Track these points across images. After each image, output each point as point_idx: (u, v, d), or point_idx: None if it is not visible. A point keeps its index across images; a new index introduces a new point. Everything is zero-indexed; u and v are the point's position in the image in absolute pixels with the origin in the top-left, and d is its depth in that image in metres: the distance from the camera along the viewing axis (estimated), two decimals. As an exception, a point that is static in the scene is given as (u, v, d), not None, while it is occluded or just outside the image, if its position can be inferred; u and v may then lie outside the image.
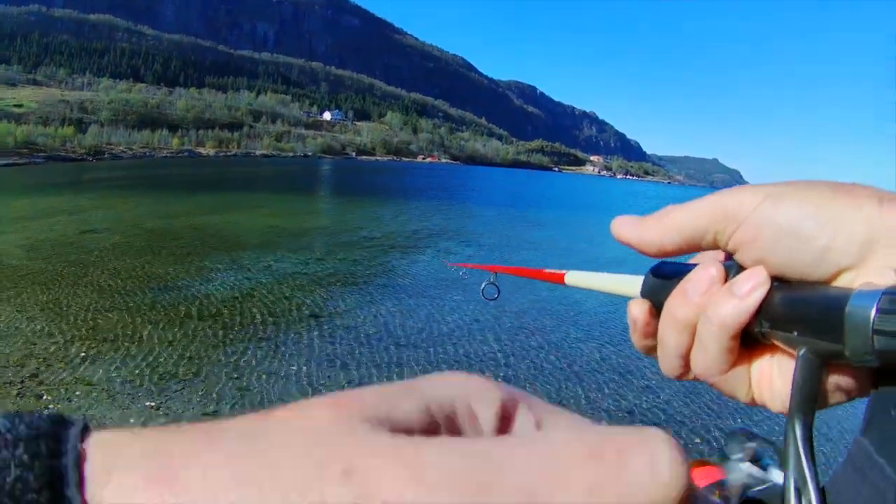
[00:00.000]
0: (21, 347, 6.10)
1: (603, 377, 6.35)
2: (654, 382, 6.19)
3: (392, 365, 6.17)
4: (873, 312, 0.26)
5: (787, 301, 0.31)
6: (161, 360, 5.90)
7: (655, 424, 5.22)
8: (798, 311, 0.31)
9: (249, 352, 6.25)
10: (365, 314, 7.88)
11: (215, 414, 4.80)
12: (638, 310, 0.41)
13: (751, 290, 0.32)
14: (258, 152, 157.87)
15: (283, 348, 6.41)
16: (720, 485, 0.48)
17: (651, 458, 0.18)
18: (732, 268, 0.35)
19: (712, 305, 0.34)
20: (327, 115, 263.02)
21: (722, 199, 0.34)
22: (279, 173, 61.80)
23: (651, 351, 0.41)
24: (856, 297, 0.27)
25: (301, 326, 7.23)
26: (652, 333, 0.40)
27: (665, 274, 0.40)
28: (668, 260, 0.40)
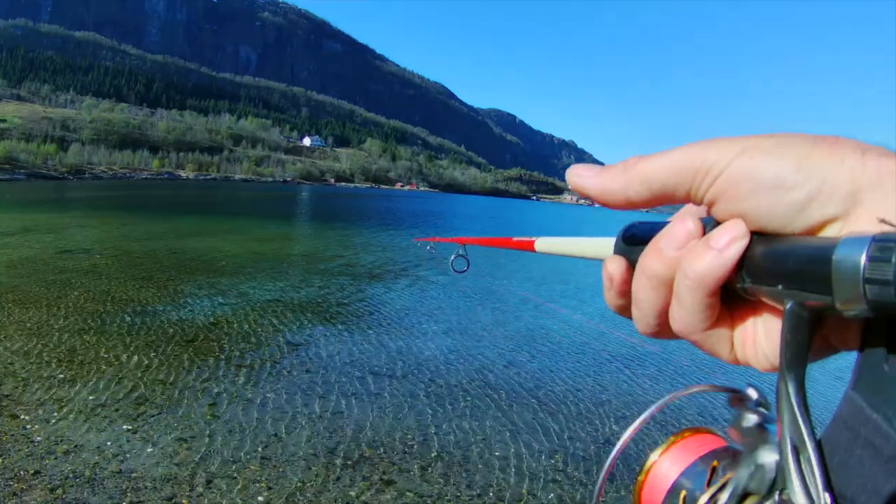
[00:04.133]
0: (-2, 367, 6.13)
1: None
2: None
3: (366, 394, 6.29)
4: (863, 260, 0.25)
5: (769, 254, 0.30)
6: (138, 383, 5.94)
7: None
8: (782, 264, 0.29)
9: (226, 378, 6.31)
10: (340, 342, 7.98)
11: (192, 440, 4.90)
12: (615, 266, 0.40)
13: (729, 242, 0.31)
14: (237, 176, 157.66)
15: (258, 375, 6.48)
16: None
17: None
18: (709, 223, 0.34)
19: (688, 259, 0.33)
20: (307, 141, 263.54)
21: (697, 152, 0.33)
22: (258, 198, 61.79)
23: (625, 311, 0.40)
24: (843, 245, 0.26)
25: (277, 353, 7.30)
26: (628, 292, 0.39)
27: (639, 232, 0.39)
28: (643, 220, 0.40)
